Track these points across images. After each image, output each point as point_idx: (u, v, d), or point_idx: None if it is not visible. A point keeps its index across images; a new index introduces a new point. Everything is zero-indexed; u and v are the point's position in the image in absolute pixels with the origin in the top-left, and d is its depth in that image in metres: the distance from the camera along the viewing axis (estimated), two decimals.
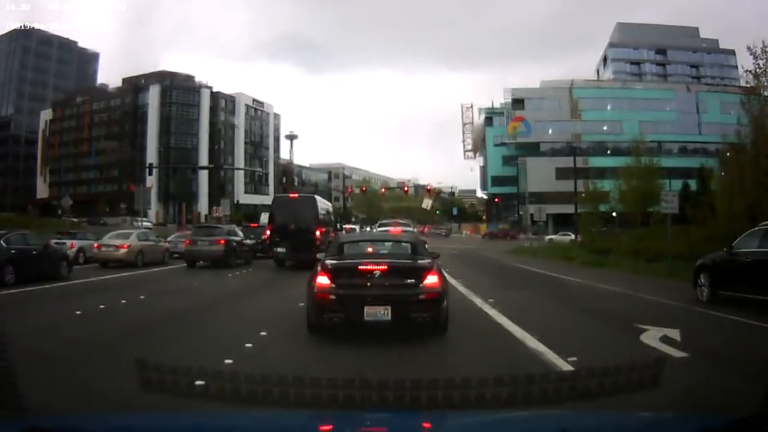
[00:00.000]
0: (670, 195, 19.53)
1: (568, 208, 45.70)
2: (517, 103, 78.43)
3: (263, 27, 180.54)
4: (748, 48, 19.19)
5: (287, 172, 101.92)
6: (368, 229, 47.20)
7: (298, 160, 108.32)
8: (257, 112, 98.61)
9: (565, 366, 5.75)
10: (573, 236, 42.56)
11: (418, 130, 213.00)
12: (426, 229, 71.52)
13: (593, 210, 34.08)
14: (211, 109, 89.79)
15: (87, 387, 5.05)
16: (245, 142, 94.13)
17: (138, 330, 7.99)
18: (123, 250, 19.98)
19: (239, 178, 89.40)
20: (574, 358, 5.99)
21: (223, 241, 20.83)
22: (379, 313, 6.84)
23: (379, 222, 36.82)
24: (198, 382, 2.75)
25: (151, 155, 78.73)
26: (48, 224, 36.90)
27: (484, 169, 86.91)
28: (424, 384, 2.86)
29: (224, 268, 19.34)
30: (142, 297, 11.83)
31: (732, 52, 74.27)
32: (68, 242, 21.59)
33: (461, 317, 8.49)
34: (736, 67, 54.19)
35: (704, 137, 66.13)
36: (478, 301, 11.02)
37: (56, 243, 19.31)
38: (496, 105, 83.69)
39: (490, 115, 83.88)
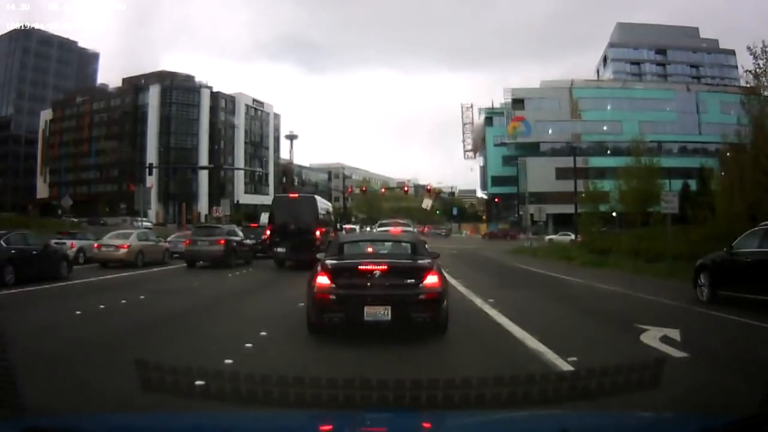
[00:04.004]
0: (670, 195, 19.56)
1: (568, 208, 45.69)
2: (517, 103, 78.45)
3: (263, 27, 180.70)
4: (748, 48, 19.22)
5: (287, 172, 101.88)
6: (368, 229, 47.20)
7: (298, 160, 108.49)
8: (257, 112, 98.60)
9: (565, 366, 5.74)
10: (573, 236, 42.56)
11: (418, 130, 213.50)
12: (426, 229, 71.55)
13: (593, 210, 34.12)
14: (211, 109, 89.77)
15: (87, 387, 5.04)
16: (245, 142, 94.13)
17: (138, 330, 7.99)
18: (123, 250, 19.97)
19: (239, 178, 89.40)
20: (574, 358, 5.98)
21: (223, 241, 20.83)
22: (379, 313, 6.83)
23: (379, 222, 36.81)
24: (198, 382, 2.75)
25: (151, 155, 78.69)
26: (48, 224, 36.92)
27: (484, 169, 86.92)
28: (424, 384, 2.86)
29: (224, 268, 19.34)
30: (142, 297, 11.83)
31: (732, 52, 74.35)
32: (68, 242, 21.56)
33: (461, 317, 8.49)
34: (736, 67, 54.32)
35: (704, 137, 66.16)
36: (478, 301, 11.02)
37: (56, 243, 19.27)
38: (496, 105, 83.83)
39: (490, 115, 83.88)
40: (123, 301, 11.00)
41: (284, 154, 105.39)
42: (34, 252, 15.10)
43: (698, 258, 11.87)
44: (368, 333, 6.96)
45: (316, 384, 2.85)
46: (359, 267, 7.33)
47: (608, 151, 67.76)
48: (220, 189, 79.55)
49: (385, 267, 7.23)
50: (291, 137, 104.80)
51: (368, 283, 7.06)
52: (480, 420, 2.56)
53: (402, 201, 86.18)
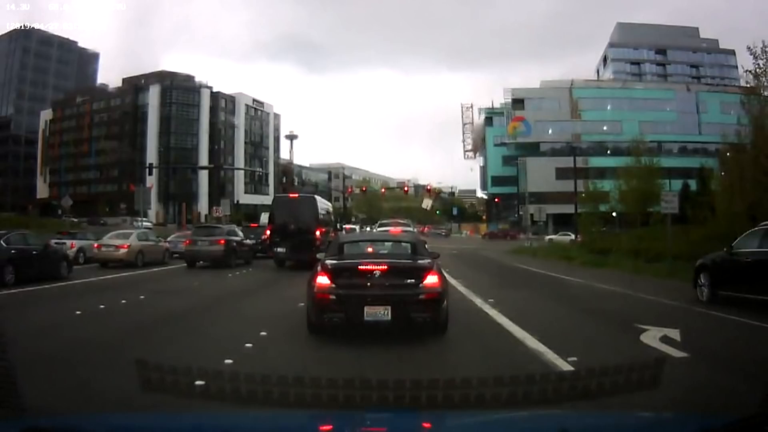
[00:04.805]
0: (670, 195, 19.57)
1: (568, 208, 45.70)
2: (517, 103, 78.46)
3: (263, 27, 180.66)
4: (748, 48, 19.23)
5: (287, 172, 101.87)
6: (368, 229, 47.19)
7: (298, 160, 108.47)
8: (257, 112, 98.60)
9: (565, 366, 5.74)
10: (573, 236, 42.56)
11: (418, 130, 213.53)
12: (426, 229, 71.55)
13: (593, 210, 34.13)
14: (211, 109, 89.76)
15: (87, 387, 5.04)
16: (245, 142, 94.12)
17: (138, 330, 7.99)
18: (123, 250, 19.97)
19: (239, 178, 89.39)
20: (574, 358, 5.98)
21: (223, 241, 20.82)
22: (379, 313, 6.83)
23: (379, 222, 36.81)
24: (198, 382, 2.75)
25: (151, 155, 78.67)
26: (48, 224, 36.91)
27: (484, 169, 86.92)
28: (424, 384, 2.86)
29: (224, 268, 19.34)
30: (142, 297, 11.83)
31: (732, 52, 74.37)
32: (68, 242, 21.55)
33: (461, 317, 8.49)
34: (736, 67, 54.37)
35: (704, 137, 66.16)
36: (478, 301, 11.02)
37: (56, 243, 19.26)
38: (496, 105, 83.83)
39: (490, 115, 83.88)
40: (123, 301, 10.99)
41: (284, 154, 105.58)
42: (34, 252, 15.09)
43: (698, 258, 11.87)
44: (368, 333, 6.95)
45: (316, 384, 2.85)
46: (359, 267, 7.33)
47: (608, 151, 67.76)
48: (220, 189, 79.55)
49: (385, 267, 7.23)
50: (291, 137, 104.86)
51: (368, 283, 7.06)
52: (480, 420, 2.56)
53: (402, 201, 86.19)
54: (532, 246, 37.41)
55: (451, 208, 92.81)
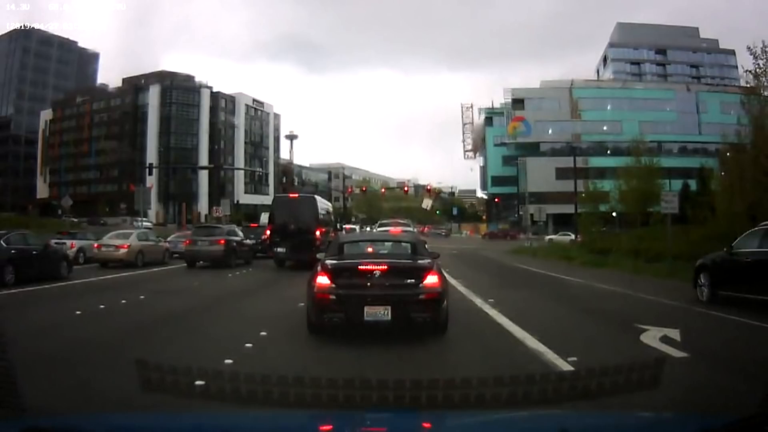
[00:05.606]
0: (670, 195, 19.58)
1: (568, 208, 45.69)
2: (517, 103, 78.45)
3: (263, 27, 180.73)
4: (748, 48, 19.24)
5: (287, 172, 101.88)
6: (368, 229, 47.19)
7: (298, 160, 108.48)
8: (257, 112, 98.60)
9: (565, 366, 5.74)
10: (573, 236, 42.56)
11: (418, 130, 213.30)
12: (426, 229, 71.53)
13: (593, 210, 34.12)
14: (211, 109, 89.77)
15: (87, 387, 5.05)
16: (245, 142, 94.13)
17: (138, 330, 7.99)
18: (123, 250, 19.97)
19: (239, 178, 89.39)
20: (574, 358, 5.98)
21: (223, 241, 20.83)
22: (379, 313, 6.83)
23: (379, 222, 36.81)
24: (198, 382, 2.75)
25: (151, 155, 78.69)
26: (48, 224, 36.92)
27: (484, 169, 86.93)
28: (424, 384, 2.86)
29: (224, 268, 19.34)
30: (142, 297, 11.83)
31: (732, 52, 74.36)
32: (68, 242, 21.56)
33: (461, 317, 8.49)
34: (736, 67, 54.36)
35: (704, 137, 66.17)
36: (478, 301, 11.02)
37: (56, 243, 19.26)
38: (496, 105, 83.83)
39: (490, 115, 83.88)
40: (123, 301, 10.99)
41: (284, 154, 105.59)
42: (34, 252, 15.09)
43: (698, 258, 11.87)
44: (368, 333, 6.95)
45: (316, 384, 2.85)
46: (359, 267, 7.33)
47: (608, 151, 67.76)
48: (220, 189, 79.54)
49: (385, 267, 7.23)
50: (291, 137, 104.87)
51: (368, 283, 7.05)
52: (480, 420, 2.56)
53: (402, 201, 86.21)
54: (532, 246, 37.39)
55: (451, 208, 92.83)
